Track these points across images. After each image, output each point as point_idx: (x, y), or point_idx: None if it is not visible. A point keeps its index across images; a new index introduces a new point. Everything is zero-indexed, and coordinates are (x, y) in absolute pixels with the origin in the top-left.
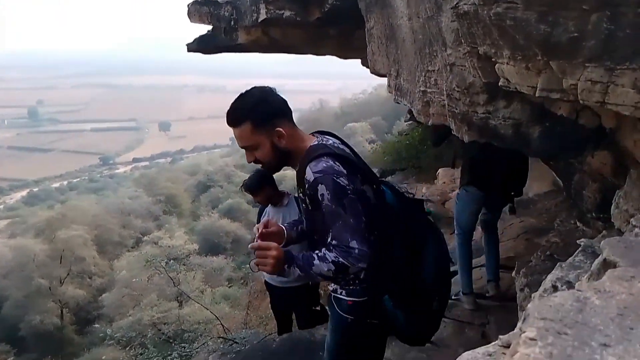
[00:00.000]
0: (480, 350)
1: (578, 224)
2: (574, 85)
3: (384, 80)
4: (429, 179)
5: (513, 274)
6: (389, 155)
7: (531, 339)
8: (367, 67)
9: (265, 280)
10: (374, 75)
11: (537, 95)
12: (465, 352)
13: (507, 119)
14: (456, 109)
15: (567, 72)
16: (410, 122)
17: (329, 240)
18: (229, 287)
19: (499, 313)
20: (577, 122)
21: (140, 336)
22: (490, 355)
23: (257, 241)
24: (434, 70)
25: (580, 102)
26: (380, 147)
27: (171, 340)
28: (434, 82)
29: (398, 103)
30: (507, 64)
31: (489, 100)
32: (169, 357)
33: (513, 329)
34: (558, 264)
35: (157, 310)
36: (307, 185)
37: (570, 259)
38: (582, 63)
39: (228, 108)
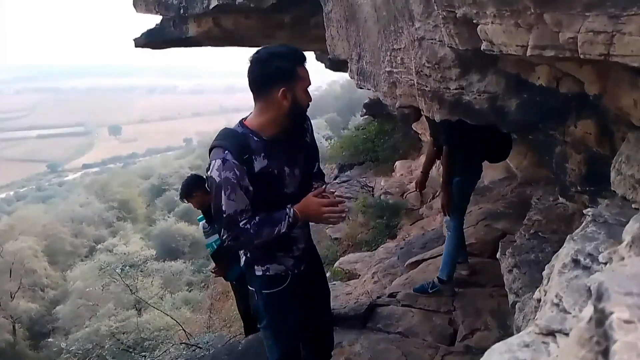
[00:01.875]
0: (514, 340)
1: (560, 199)
2: (572, 39)
3: (338, 77)
4: (387, 171)
5: (498, 255)
6: (347, 150)
7: (627, 322)
8: (322, 62)
9: (231, 281)
10: (327, 71)
11: (528, 54)
12: (497, 345)
13: (481, 93)
14: (426, 87)
15: (564, 24)
16: (367, 116)
17: None
18: (189, 291)
19: (464, 299)
20: (558, 90)
21: (98, 347)
22: (527, 346)
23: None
24: (400, 49)
25: (581, 56)
26: (338, 142)
27: (131, 350)
28: (400, 61)
29: (361, 88)
30: (492, 23)
31: (462, 74)
32: None
33: (479, 315)
34: (569, 237)
35: (115, 320)
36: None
37: (579, 230)
38: (580, 13)
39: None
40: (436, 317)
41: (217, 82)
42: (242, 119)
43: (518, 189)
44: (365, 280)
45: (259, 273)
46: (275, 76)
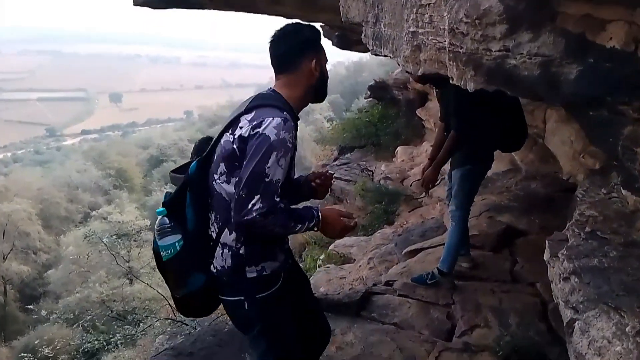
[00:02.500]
0: None
1: (621, 192)
2: None
3: (343, 58)
4: (388, 156)
5: (546, 256)
6: (348, 132)
7: None
8: (329, 38)
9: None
10: (333, 52)
11: None
12: None
13: (532, 56)
14: (461, 48)
15: None
16: (370, 99)
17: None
18: None
19: (464, 293)
20: (636, 55)
21: (88, 314)
22: None
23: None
24: (428, 4)
25: None
26: (339, 124)
27: (119, 318)
28: (428, 19)
29: (377, 55)
30: None
31: (509, 33)
32: (112, 339)
33: (478, 310)
34: None
35: (107, 288)
36: None
37: None
38: None
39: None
40: (434, 309)
41: (220, 56)
42: (271, 89)
43: (522, 183)
44: (360, 266)
45: (251, 275)
46: (306, 46)
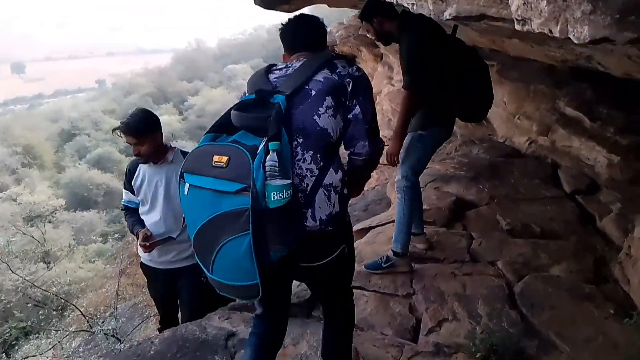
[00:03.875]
0: None
1: None
2: None
3: (265, 20)
4: None
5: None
6: None
7: None
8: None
9: (142, 263)
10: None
11: None
12: None
13: None
14: None
15: None
16: None
17: None
18: (103, 243)
19: (423, 279)
20: None
21: (3, 302)
22: None
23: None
24: None
25: None
26: None
27: (41, 305)
28: None
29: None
30: None
31: None
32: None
33: (443, 300)
34: None
35: (22, 274)
36: None
37: None
38: None
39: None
40: (394, 302)
41: (138, 20)
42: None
43: (463, 148)
44: None
45: (347, 219)
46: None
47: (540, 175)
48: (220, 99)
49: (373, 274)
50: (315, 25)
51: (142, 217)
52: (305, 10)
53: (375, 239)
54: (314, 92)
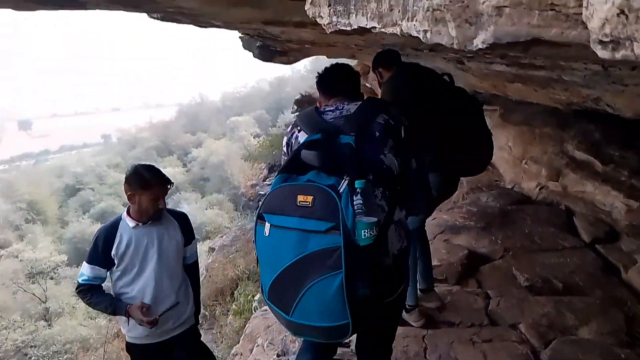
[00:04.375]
0: None
1: None
2: None
3: (266, 74)
4: None
5: None
6: (277, 149)
7: None
8: (249, 50)
9: (129, 343)
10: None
11: None
12: None
13: None
14: None
15: None
16: (297, 112)
17: None
18: None
19: (439, 348)
20: None
21: None
22: None
23: None
24: None
25: None
26: (267, 140)
27: None
28: None
29: (341, 30)
30: None
31: None
32: None
33: None
34: None
35: (22, 333)
36: None
37: None
38: None
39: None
40: None
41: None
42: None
43: (470, 196)
44: None
45: None
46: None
47: (555, 223)
48: (223, 150)
49: None
50: (352, 74)
51: (120, 290)
52: (306, 62)
53: None
54: (377, 134)
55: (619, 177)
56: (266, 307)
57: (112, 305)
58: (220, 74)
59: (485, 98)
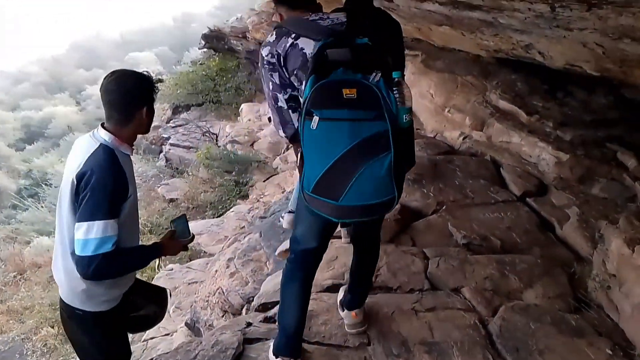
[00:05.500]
0: None
1: None
2: None
3: (168, 10)
4: (231, 115)
5: None
6: (182, 88)
7: None
8: None
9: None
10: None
11: None
12: None
13: None
14: None
15: None
16: (205, 49)
17: None
18: None
19: (379, 321)
20: None
21: None
22: None
23: None
24: None
25: None
26: (172, 78)
27: None
28: None
29: None
30: None
31: None
32: None
33: (408, 350)
34: None
35: None
36: None
37: None
38: None
39: None
40: (345, 359)
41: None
42: None
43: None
44: (217, 271)
45: None
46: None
47: (485, 175)
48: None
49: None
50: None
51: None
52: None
53: None
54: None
55: (544, 128)
56: (171, 267)
57: (150, 251)
58: (121, 10)
59: (406, 42)
